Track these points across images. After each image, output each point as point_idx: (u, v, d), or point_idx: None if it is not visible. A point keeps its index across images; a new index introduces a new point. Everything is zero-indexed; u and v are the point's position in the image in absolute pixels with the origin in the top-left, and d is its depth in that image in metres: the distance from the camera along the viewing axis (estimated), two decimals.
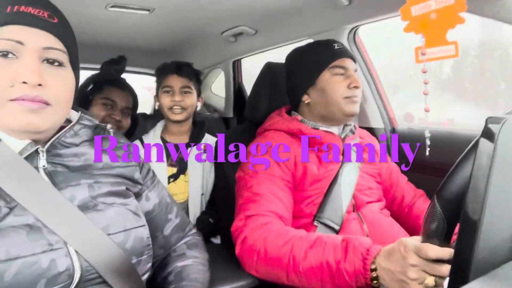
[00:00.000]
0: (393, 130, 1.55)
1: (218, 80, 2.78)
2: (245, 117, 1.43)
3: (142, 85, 2.82)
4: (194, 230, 0.96)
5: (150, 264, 0.78)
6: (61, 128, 0.74)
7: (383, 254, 0.77)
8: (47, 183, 0.65)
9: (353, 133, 1.24)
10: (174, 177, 1.62)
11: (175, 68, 1.60)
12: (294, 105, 1.25)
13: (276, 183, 1.05)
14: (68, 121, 0.79)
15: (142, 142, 1.63)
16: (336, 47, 1.17)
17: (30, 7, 0.65)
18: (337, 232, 1.05)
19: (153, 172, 0.91)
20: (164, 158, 1.60)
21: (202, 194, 1.64)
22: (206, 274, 0.85)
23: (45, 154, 0.68)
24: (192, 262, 0.85)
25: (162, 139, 1.65)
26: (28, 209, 0.61)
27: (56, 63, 0.68)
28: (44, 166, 0.67)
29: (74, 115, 0.79)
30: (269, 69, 1.39)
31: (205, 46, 2.29)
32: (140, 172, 0.85)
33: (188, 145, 1.64)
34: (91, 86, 1.54)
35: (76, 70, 0.75)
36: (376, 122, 1.55)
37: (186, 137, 1.67)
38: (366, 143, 1.29)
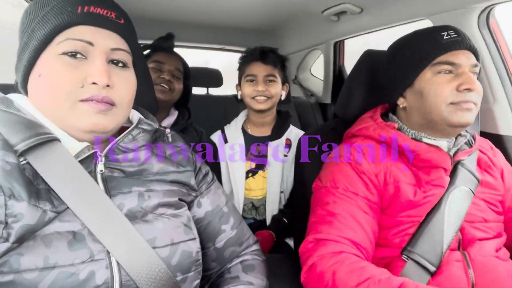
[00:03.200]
0: None
1: (319, 62, 2.59)
2: (335, 113, 1.24)
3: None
4: (255, 247, 0.87)
5: (197, 282, 0.72)
6: (121, 130, 0.72)
7: None
8: (99, 189, 0.63)
9: (470, 146, 0.97)
10: (252, 172, 1.54)
11: (259, 55, 1.48)
12: (391, 107, 1.03)
13: (358, 203, 0.87)
14: (128, 121, 0.78)
15: (223, 132, 1.59)
16: (444, 37, 0.89)
17: (99, 8, 0.65)
18: (432, 274, 0.83)
19: (212, 177, 0.86)
20: (244, 152, 1.53)
21: (282, 192, 1.53)
22: None
23: (103, 158, 0.67)
24: None
25: (244, 130, 1.58)
26: (77, 215, 0.59)
27: (121, 64, 0.69)
28: (101, 170, 0.66)
29: (135, 117, 0.77)
30: (368, 58, 1.17)
31: (304, 25, 2.12)
32: (196, 177, 0.80)
33: (269, 139, 1.54)
34: None
35: (137, 71, 0.74)
36: (508, 128, 1.21)
37: (268, 129, 1.57)
38: (488, 158, 1.00)
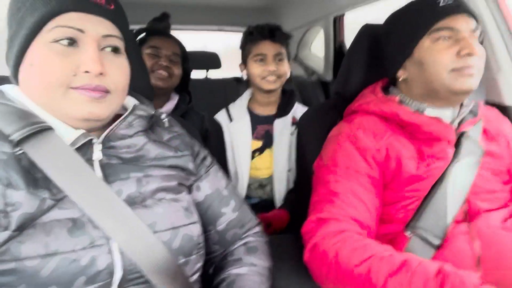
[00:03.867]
0: None
1: (319, 39, 2.53)
2: (335, 90, 1.21)
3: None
4: (257, 229, 0.86)
5: (200, 264, 0.73)
6: (116, 117, 0.71)
7: None
8: (96, 176, 0.63)
9: (475, 115, 0.94)
10: (259, 150, 1.53)
11: (269, 32, 1.44)
12: (392, 80, 1.00)
13: (360, 181, 0.86)
14: (123, 108, 0.76)
15: (228, 111, 1.57)
16: (441, 3, 0.86)
17: None
18: (436, 248, 0.82)
19: (210, 161, 0.85)
20: (250, 131, 1.51)
21: (289, 170, 1.52)
22: (262, 286, 0.75)
23: (100, 146, 0.66)
24: (248, 270, 0.76)
25: (249, 109, 1.56)
26: (76, 202, 0.59)
27: (113, 51, 0.67)
28: (99, 158, 0.66)
29: (129, 102, 0.76)
30: (366, 33, 1.13)
31: (303, 0, 2.05)
32: (194, 161, 0.80)
33: (275, 117, 1.51)
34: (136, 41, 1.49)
35: (130, 56, 0.72)
36: None
37: (273, 108, 1.55)
38: (494, 127, 0.97)
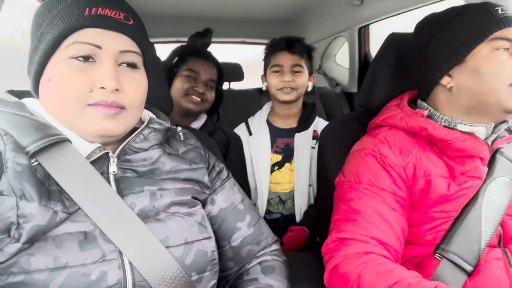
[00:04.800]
0: None
1: (345, 49, 2.49)
2: (359, 103, 1.17)
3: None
4: (274, 247, 0.83)
5: (214, 282, 0.71)
6: (132, 130, 0.71)
7: None
8: (110, 189, 0.63)
9: (510, 132, 0.88)
10: (279, 164, 1.51)
11: (286, 44, 1.44)
12: (425, 91, 0.92)
13: (385, 199, 0.81)
14: (140, 121, 0.76)
15: (247, 125, 1.55)
16: (499, 12, 0.80)
17: (107, 9, 0.63)
18: (469, 274, 0.76)
19: (227, 174, 0.84)
20: (269, 144, 1.48)
21: (310, 185, 1.48)
22: None
23: (115, 159, 0.67)
24: None
25: (269, 122, 1.54)
26: (89, 215, 0.59)
27: (131, 66, 0.67)
28: (114, 171, 0.66)
29: (145, 115, 0.76)
30: (393, 42, 1.09)
31: (327, 12, 2.04)
32: (209, 175, 0.79)
33: (295, 130, 1.49)
34: (176, 59, 1.50)
35: (149, 70, 0.73)
36: None
37: (294, 121, 1.53)
38: None
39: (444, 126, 0.85)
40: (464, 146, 0.82)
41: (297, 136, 1.48)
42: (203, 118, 1.56)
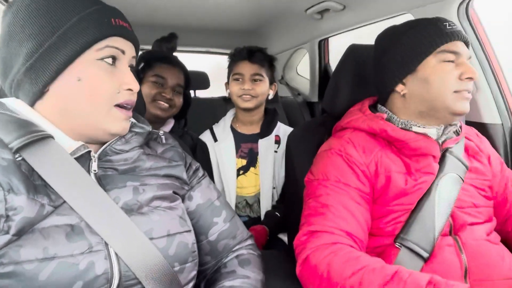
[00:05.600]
0: None
1: (305, 60, 2.60)
2: (323, 108, 1.25)
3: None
4: (249, 242, 0.87)
5: (194, 272, 0.73)
6: None
7: None
8: (95, 183, 0.64)
9: (457, 134, 0.99)
10: (244, 169, 1.56)
11: (247, 54, 1.50)
12: (383, 97, 1.02)
13: (350, 194, 0.88)
14: None
15: (212, 131, 1.59)
16: (447, 27, 0.91)
17: (121, 21, 0.70)
18: (425, 260, 0.84)
19: (203, 173, 0.87)
20: (234, 150, 1.54)
21: (274, 188, 1.54)
22: None
23: (97, 159, 0.68)
24: (241, 283, 0.76)
25: (232, 128, 1.59)
26: (74, 208, 0.60)
27: (133, 69, 0.74)
28: (95, 170, 0.67)
29: None
30: (353, 53, 1.18)
31: (289, 25, 2.13)
32: (187, 172, 0.82)
33: (259, 136, 1.55)
34: (142, 64, 1.49)
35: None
36: (491, 116, 1.23)
37: (257, 127, 1.58)
38: (475, 145, 1.02)
39: (401, 128, 0.94)
40: (418, 146, 0.91)
41: (261, 142, 1.53)
42: (171, 123, 1.56)
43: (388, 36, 1.01)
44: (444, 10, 1.22)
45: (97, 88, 0.65)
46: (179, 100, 1.49)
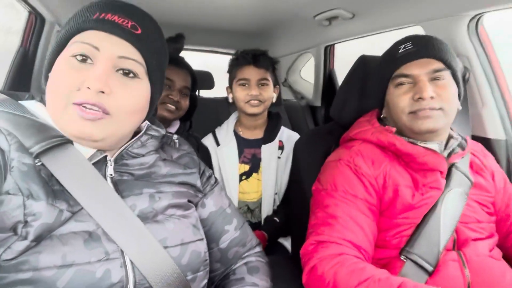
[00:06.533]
0: None
1: (309, 64, 2.61)
2: (331, 117, 1.26)
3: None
4: (258, 249, 0.88)
5: (205, 282, 0.74)
6: (133, 136, 0.73)
7: None
8: (112, 191, 0.64)
9: (463, 149, 1.00)
10: (246, 174, 1.55)
11: (252, 58, 1.47)
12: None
13: (358, 205, 0.89)
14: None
15: (215, 136, 1.58)
16: (400, 51, 0.95)
17: (116, 16, 0.65)
18: (430, 274, 0.85)
19: (215, 180, 0.87)
20: (237, 155, 1.53)
21: (276, 194, 1.54)
22: None
23: (113, 163, 0.68)
24: None
25: (235, 133, 1.57)
26: (92, 215, 0.60)
27: (130, 74, 0.67)
28: (111, 174, 0.67)
29: (143, 123, 0.77)
30: (363, 64, 1.19)
31: (296, 29, 2.13)
32: (200, 179, 0.82)
33: (262, 141, 1.54)
34: None
35: (154, 82, 0.71)
36: (495, 132, 1.25)
37: (260, 132, 1.57)
38: (480, 161, 1.04)
39: (409, 142, 0.96)
40: (426, 160, 0.92)
41: (264, 147, 1.52)
42: (176, 125, 1.56)
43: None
44: (454, 25, 1.23)
45: (56, 83, 0.63)
46: (185, 103, 1.50)
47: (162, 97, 1.42)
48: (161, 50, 0.72)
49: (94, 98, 0.61)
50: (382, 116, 1.04)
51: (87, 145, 0.66)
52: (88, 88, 0.61)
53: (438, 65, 0.93)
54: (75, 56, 0.63)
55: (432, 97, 0.90)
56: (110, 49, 0.64)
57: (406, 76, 0.94)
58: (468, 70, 1.20)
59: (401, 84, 0.95)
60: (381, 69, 1.01)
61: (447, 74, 0.93)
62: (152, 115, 0.84)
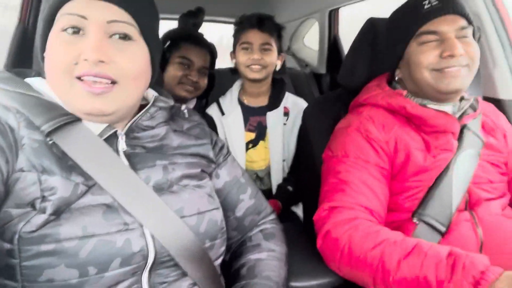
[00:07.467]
0: None
1: (313, 31, 2.55)
2: (339, 83, 1.24)
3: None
4: (272, 216, 0.90)
5: (223, 248, 0.76)
6: (140, 108, 0.72)
7: (505, 281, 0.60)
8: (125, 165, 0.65)
9: (474, 110, 0.99)
10: (253, 142, 1.54)
11: (257, 21, 1.43)
12: (392, 76, 1.04)
13: (370, 170, 0.89)
14: (144, 99, 0.77)
15: (219, 105, 1.56)
16: (425, 6, 0.90)
17: None
18: (442, 234, 0.87)
19: (227, 150, 0.87)
20: (243, 123, 1.52)
21: (284, 160, 1.55)
22: (281, 271, 0.78)
23: (124, 137, 0.68)
24: (267, 256, 0.79)
25: (240, 101, 1.55)
26: (106, 189, 0.61)
27: (124, 37, 0.64)
28: (123, 148, 0.67)
29: (150, 95, 0.77)
30: (371, 27, 1.16)
31: None
32: (213, 150, 0.82)
33: (267, 108, 1.52)
34: (168, 43, 1.48)
35: (150, 42, 0.69)
36: (507, 92, 1.23)
37: (265, 98, 1.55)
38: (492, 121, 1.02)
39: (420, 104, 0.95)
40: (437, 123, 0.92)
41: (269, 114, 1.51)
42: (193, 103, 1.57)
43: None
44: None
45: (53, 61, 0.61)
46: (204, 82, 1.49)
47: (180, 77, 1.43)
48: (150, 8, 0.70)
49: (95, 69, 0.59)
50: (396, 78, 1.01)
51: (98, 120, 0.65)
52: (86, 60, 0.59)
53: (464, 22, 0.89)
54: (65, 30, 0.61)
55: (461, 55, 0.87)
56: (98, 15, 0.61)
57: (433, 33, 0.90)
58: (479, 29, 1.16)
59: (426, 41, 0.90)
60: (399, 27, 0.96)
61: (470, 31, 0.91)
62: (156, 82, 0.82)
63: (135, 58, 0.65)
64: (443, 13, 0.89)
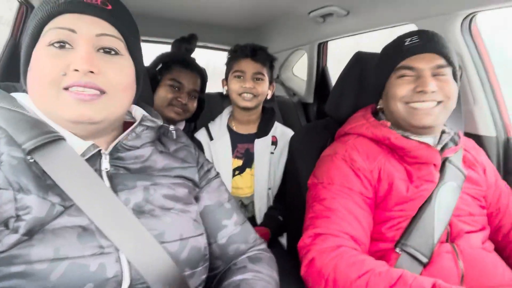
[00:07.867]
0: (508, 140, 1.27)
1: (302, 61, 2.62)
2: (327, 113, 1.27)
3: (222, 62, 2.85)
4: (262, 246, 0.85)
5: (205, 276, 0.72)
6: (125, 126, 0.71)
7: None
8: (105, 186, 0.63)
9: (456, 144, 1.02)
10: (240, 169, 1.54)
11: (250, 51, 1.47)
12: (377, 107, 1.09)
13: (354, 198, 0.90)
14: (132, 118, 0.77)
15: (208, 130, 1.57)
16: (406, 43, 0.96)
17: None
18: (424, 265, 0.87)
19: (215, 174, 0.85)
20: (230, 150, 1.52)
21: (269, 189, 1.54)
22: None
23: (108, 156, 0.67)
24: (253, 276, 0.74)
25: (229, 127, 1.56)
26: (84, 211, 0.59)
27: (112, 52, 0.66)
28: (106, 168, 0.66)
29: (138, 113, 0.76)
30: (358, 60, 1.21)
31: (290, 25, 2.14)
32: (198, 172, 0.80)
33: (255, 136, 1.53)
34: (160, 66, 1.50)
35: (135, 58, 0.71)
36: (486, 129, 1.28)
37: (254, 127, 1.57)
38: (472, 156, 1.06)
39: (403, 136, 0.97)
40: (420, 154, 0.94)
41: (257, 142, 1.51)
42: (182, 126, 1.57)
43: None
44: (448, 23, 1.25)
45: (40, 73, 0.61)
46: (193, 105, 1.51)
47: (170, 99, 1.44)
48: (133, 26, 0.72)
49: (84, 79, 0.60)
50: (378, 107, 1.05)
51: (84, 130, 0.64)
52: (76, 70, 0.60)
53: (442, 61, 0.94)
54: (53, 44, 0.62)
55: (433, 92, 0.91)
56: (87, 28, 0.63)
57: (410, 68, 0.95)
58: (461, 68, 1.22)
59: (403, 76, 0.96)
60: (383, 61, 1.02)
61: (448, 71, 0.95)
62: (146, 103, 0.83)
63: (123, 71, 0.67)
64: (422, 51, 0.94)
